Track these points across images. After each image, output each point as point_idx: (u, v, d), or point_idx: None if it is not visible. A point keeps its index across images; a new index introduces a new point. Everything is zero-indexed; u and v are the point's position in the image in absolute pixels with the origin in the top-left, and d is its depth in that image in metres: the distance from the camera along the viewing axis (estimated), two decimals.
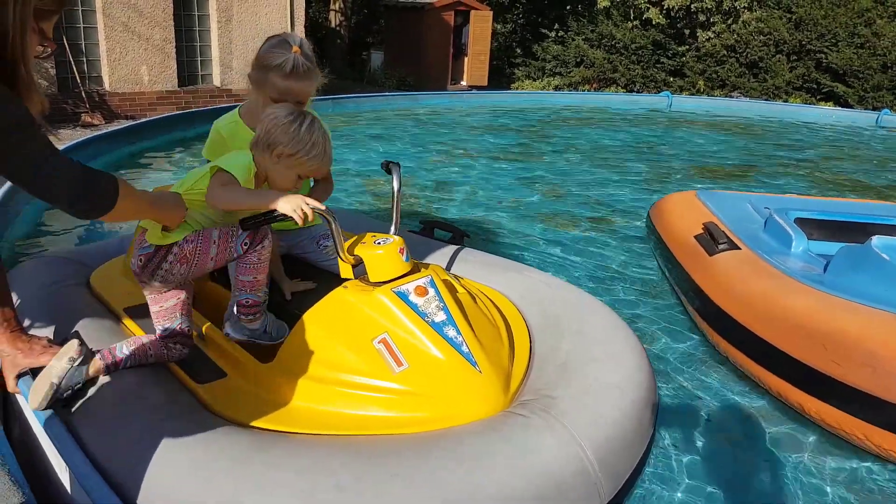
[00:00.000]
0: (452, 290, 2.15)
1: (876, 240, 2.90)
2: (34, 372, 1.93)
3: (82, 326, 2.21)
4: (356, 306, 2.00)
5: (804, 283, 3.02)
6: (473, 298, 2.25)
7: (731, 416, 2.95)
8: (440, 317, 1.99)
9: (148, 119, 8.91)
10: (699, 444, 2.71)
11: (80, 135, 8.23)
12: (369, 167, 7.46)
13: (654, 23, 17.72)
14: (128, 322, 2.35)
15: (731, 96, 16.79)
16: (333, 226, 2.03)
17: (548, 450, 1.71)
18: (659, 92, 16.86)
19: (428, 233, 3.14)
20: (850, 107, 15.51)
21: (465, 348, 1.94)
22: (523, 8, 20.70)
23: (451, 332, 1.96)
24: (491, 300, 2.44)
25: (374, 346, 1.94)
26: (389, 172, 2.37)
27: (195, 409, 1.86)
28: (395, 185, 2.36)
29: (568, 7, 19.22)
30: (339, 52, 19.85)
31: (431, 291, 2.04)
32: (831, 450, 2.72)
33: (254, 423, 1.83)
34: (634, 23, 18.14)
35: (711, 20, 17.51)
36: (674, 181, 7.54)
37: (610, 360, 2.10)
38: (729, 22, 17.41)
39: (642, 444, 1.95)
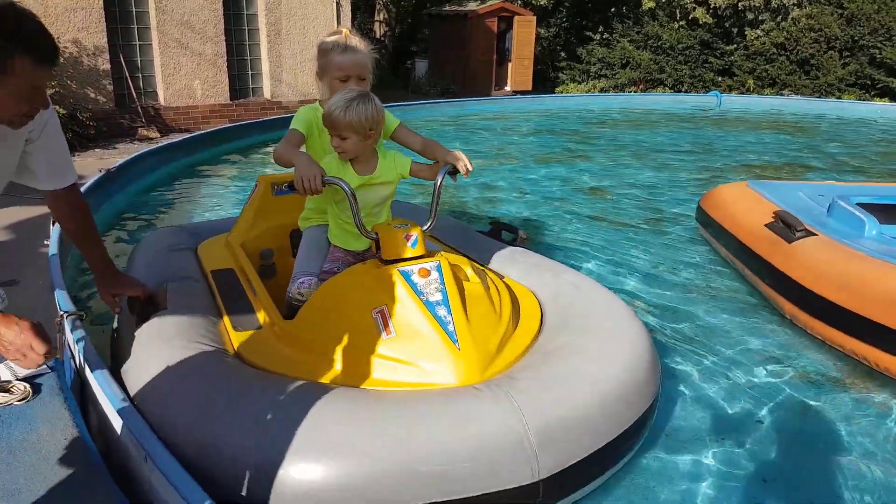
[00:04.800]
0: (460, 278, 2.39)
1: None
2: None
3: (174, 281, 2.74)
4: (365, 279, 2.32)
5: None
6: (487, 289, 2.45)
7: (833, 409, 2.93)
8: (436, 297, 2.24)
9: (204, 132, 9.17)
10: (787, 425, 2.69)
11: (136, 148, 8.52)
12: None
13: (701, 22, 17.49)
14: (211, 282, 2.85)
15: (782, 94, 16.46)
16: (351, 201, 2.33)
17: (487, 418, 1.90)
18: (707, 91, 16.63)
19: (495, 234, 3.41)
20: None
21: (450, 327, 2.18)
22: (567, 12, 20.61)
23: (442, 312, 2.21)
24: (514, 295, 2.65)
25: (371, 314, 2.22)
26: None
27: (225, 354, 2.26)
28: (439, 180, 2.54)
29: (612, 9, 19.10)
30: (384, 62, 20.06)
31: (434, 274, 2.28)
32: None
33: (267, 367, 2.20)
34: (681, 23, 17.93)
35: (760, 18, 17.21)
36: (725, 180, 7.44)
37: (597, 355, 2.23)
38: (778, 19, 17.09)
39: (606, 435, 2.05)
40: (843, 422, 2.81)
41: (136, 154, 7.01)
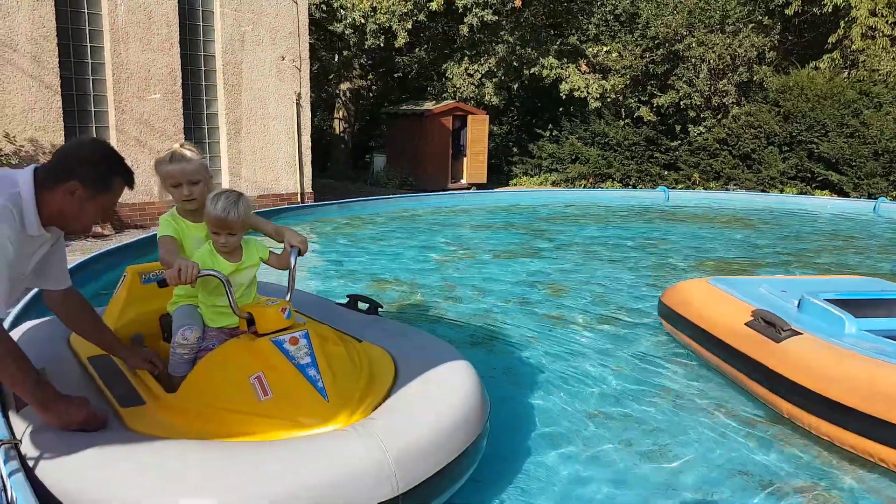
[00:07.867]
0: (324, 342, 2.80)
1: None
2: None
3: (55, 369, 2.88)
4: (241, 352, 2.68)
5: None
6: (348, 351, 2.90)
7: None
8: (305, 360, 2.65)
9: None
10: None
11: (91, 246, 8.39)
12: (374, 268, 7.58)
13: (645, 120, 18.32)
14: (90, 369, 3.03)
15: (727, 188, 17.15)
16: (227, 287, 2.71)
17: (353, 450, 2.31)
18: (655, 186, 17.23)
19: (352, 305, 3.89)
20: (846, 194, 15.81)
21: (319, 384, 2.59)
22: (517, 111, 21.46)
23: (312, 372, 2.62)
24: (370, 355, 3.08)
25: (249, 381, 2.57)
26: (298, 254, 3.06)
27: (117, 427, 2.49)
28: (292, 262, 3.02)
29: (560, 109, 19.92)
30: (344, 156, 20.44)
31: (303, 341, 2.69)
32: None
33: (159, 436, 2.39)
34: (626, 121, 18.75)
35: (702, 115, 18.11)
36: (678, 276, 7.61)
37: (436, 402, 2.72)
38: (719, 117, 18.00)
39: (447, 456, 2.54)
40: None
41: (87, 256, 6.89)
